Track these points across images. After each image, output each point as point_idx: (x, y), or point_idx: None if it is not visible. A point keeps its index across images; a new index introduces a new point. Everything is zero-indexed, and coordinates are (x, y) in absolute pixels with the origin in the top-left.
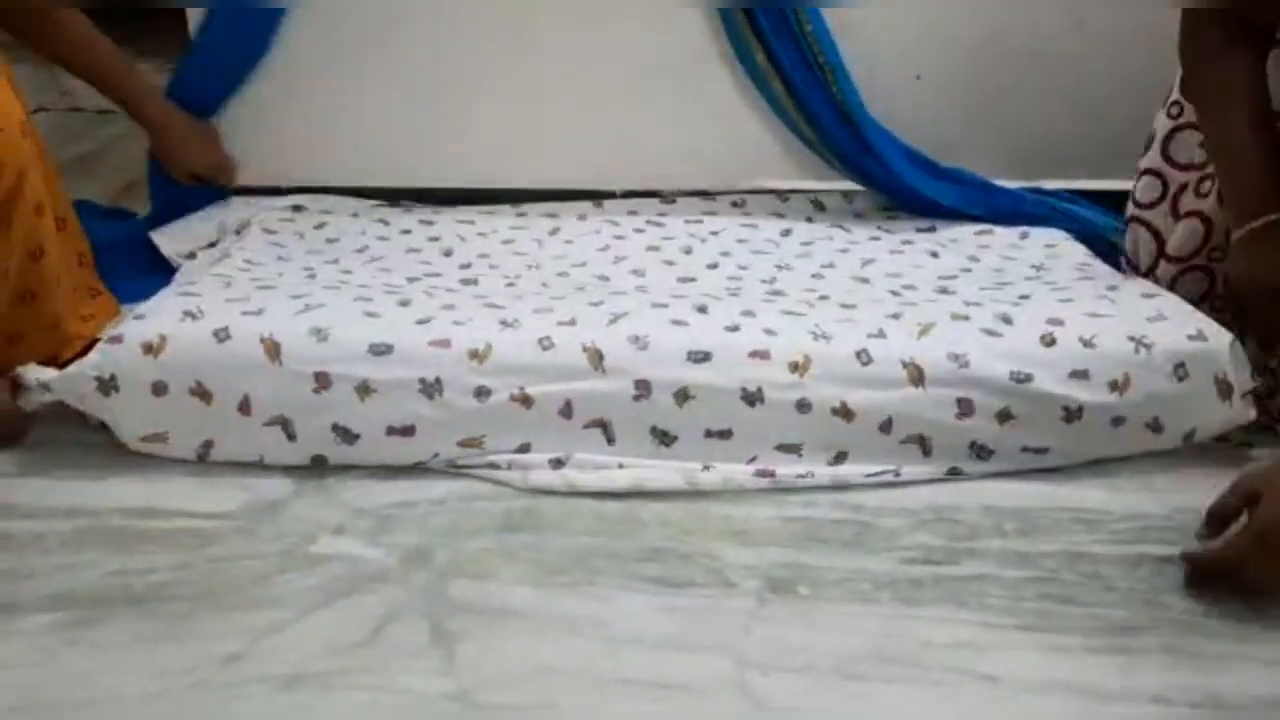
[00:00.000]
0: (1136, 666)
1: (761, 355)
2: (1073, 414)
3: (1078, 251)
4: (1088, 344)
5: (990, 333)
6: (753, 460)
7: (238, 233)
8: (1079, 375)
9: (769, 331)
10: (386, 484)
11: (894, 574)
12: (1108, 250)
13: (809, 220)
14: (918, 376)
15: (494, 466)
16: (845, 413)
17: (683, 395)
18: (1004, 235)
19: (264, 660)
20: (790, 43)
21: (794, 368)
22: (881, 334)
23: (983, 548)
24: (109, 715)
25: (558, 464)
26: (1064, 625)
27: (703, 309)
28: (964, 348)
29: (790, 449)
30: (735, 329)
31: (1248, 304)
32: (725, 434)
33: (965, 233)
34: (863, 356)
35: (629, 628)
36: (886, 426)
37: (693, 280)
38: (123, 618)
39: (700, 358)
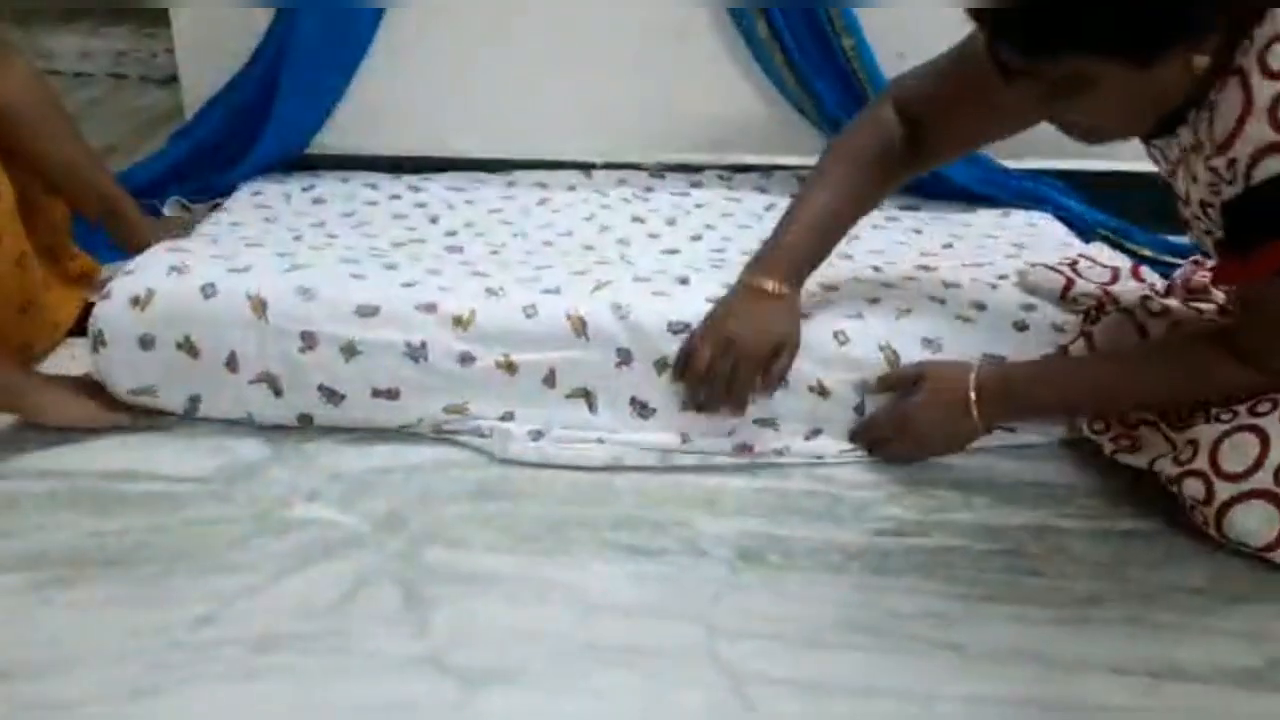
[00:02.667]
0: (1098, 637)
1: None
2: None
3: (1058, 231)
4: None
5: (964, 319)
6: (731, 433)
7: None
8: None
9: None
10: (362, 450)
11: (864, 545)
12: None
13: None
14: (894, 360)
15: (479, 434)
16: (822, 390)
17: (662, 364)
18: (986, 214)
19: (236, 623)
20: (805, 26)
21: None
22: (860, 315)
23: (952, 520)
24: (81, 674)
25: (537, 436)
26: (1028, 596)
27: (684, 280)
28: (937, 333)
29: (767, 423)
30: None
31: (717, 364)
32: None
33: (948, 210)
34: (840, 337)
35: (601, 594)
36: (861, 408)
37: (676, 252)
38: (96, 578)
39: (680, 329)
